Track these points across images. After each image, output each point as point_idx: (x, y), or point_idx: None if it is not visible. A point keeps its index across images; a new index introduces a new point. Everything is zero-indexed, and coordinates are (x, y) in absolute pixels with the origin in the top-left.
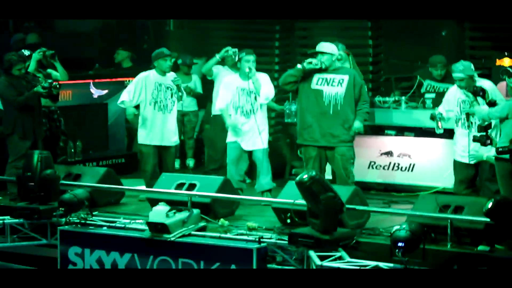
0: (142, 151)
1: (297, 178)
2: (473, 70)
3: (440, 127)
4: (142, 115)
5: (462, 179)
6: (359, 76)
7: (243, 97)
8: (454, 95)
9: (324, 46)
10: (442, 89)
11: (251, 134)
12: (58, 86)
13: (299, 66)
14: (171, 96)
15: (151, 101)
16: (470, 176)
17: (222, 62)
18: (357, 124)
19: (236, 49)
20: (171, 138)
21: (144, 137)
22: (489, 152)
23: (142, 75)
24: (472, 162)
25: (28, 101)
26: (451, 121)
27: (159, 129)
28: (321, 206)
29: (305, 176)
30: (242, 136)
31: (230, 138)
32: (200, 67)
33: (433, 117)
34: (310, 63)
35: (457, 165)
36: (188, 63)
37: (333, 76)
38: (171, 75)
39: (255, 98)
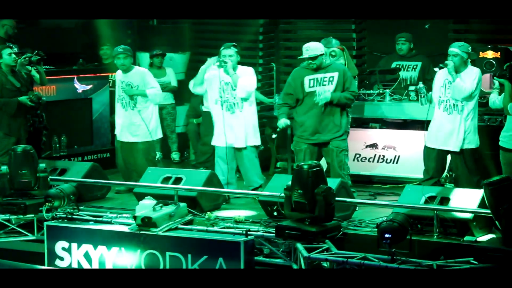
0: (115, 146)
1: (296, 165)
2: (469, 52)
3: (422, 102)
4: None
5: (435, 166)
6: (350, 71)
7: (227, 91)
8: (441, 76)
9: (312, 49)
10: (411, 67)
11: (238, 130)
12: (44, 100)
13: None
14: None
15: (118, 99)
16: (443, 165)
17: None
18: (327, 94)
19: (216, 57)
20: (135, 134)
21: (117, 132)
22: None
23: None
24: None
25: (6, 107)
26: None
27: (124, 126)
28: (320, 197)
29: (306, 165)
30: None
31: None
32: (178, 60)
33: (417, 91)
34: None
35: (431, 152)
36: (155, 53)
37: (323, 75)
38: (136, 71)
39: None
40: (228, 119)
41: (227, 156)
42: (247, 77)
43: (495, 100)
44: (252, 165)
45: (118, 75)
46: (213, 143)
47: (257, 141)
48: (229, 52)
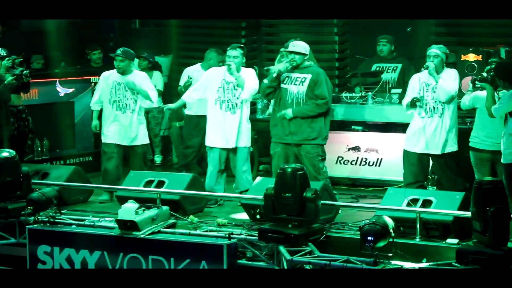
0: (104, 151)
1: (280, 168)
2: (447, 54)
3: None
4: (104, 114)
5: (417, 170)
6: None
7: (228, 91)
8: (418, 79)
9: (298, 46)
10: (391, 69)
11: (235, 130)
12: (28, 74)
13: (274, 75)
14: (132, 95)
15: (109, 101)
16: (426, 169)
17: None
18: (288, 111)
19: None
20: (133, 137)
21: (106, 136)
22: None
23: (104, 74)
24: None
25: (2, 95)
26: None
27: (120, 129)
28: (310, 200)
29: (290, 168)
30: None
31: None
32: (162, 63)
33: (415, 102)
34: (280, 72)
35: (411, 156)
36: (140, 56)
37: (297, 75)
38: (135, 74)
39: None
40: (226, 119)
41: (220, 157)
42: (250, 79)
43: (465, 101)
44: (245, 167)
45: (112, 77)
46: (208, 143)
47: (249, 143)
48: (234, 53)
